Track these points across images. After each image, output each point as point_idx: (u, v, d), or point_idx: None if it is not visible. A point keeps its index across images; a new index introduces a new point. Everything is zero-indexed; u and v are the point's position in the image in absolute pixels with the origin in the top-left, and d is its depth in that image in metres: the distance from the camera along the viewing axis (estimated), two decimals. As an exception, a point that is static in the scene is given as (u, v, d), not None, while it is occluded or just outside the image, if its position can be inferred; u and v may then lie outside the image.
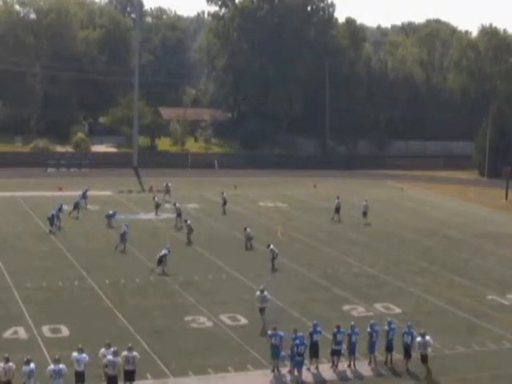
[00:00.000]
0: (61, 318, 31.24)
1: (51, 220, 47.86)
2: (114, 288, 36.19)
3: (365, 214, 55.37)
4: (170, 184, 62.02)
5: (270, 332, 26.79)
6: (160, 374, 26.11)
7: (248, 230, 46.32)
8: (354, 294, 36.69)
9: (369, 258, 44.27)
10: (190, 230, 46.47)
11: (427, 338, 27.00)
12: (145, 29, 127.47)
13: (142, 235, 48.14)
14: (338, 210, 56.23)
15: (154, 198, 56.76)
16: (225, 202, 57.43)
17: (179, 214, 51.53)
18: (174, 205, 52.93)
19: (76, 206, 53.50)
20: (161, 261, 38.86)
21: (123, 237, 43.71)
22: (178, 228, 50.38)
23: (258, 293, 31.60)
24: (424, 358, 27.10)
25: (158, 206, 55.63)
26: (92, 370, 24.72)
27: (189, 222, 47.38)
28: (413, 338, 27.46)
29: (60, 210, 49.41)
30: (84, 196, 56.76)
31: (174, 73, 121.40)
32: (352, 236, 50.71)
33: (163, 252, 39.33)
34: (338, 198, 57.25)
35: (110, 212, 51.42)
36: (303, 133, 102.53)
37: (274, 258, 40.73)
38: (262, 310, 31.32)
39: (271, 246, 41.22)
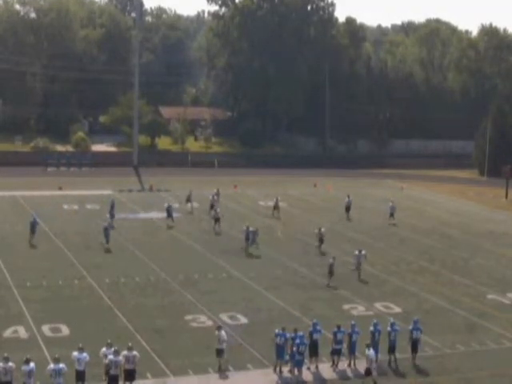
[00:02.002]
0: (61, 317, 31.25)
1: (106, 233, 44.22)
2: (114, 287, 36.20)
3: (392, 214, 55.29)
4: (220, 190, 60.19)
5: (276, 331, 26.78)
6: (160, 373, 26.11)
7: (322, 229, 45.69)
8: (354, 293, 36.69)
9: (369, 257, 44.18)
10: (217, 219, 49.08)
11: (371, 351, 26.01)
12: (145, 28, 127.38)
13: (142, 234, 48.17)
14: (348, 208, 56.58)
15: (214, 196, 56.55)
16: (277, 206, 56.22)
17: (217, 220, 50.14)
18: (215, 211, 52.17)
19: (188, 201, 56.04)
20: (331, 272, 37.84)
21: (252, 238, 43.66)
22: (216, 233, 49.30)
23: (216, 332, 26.93)
24: (368, 372, 25.95)
25: (212, 206, 55.14)
26: (92, 369, 24.73)
27: (218, 209, 49.76)
28: (421, 333, 27.88)
29: (112, 227, 45.95)
30: (189, 199, 56.60)
31: (174, 72, 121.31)
32: (352, 235, 50.67)
33: (331, 261, 38.22)
34: (348, 196, 57.48)
35: (111, 205, 51.20)
36: (303, 132, 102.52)
37: (359, 265, 39.68)
38: (219, 352, 26.51)
39: (363, 251, 40.03)
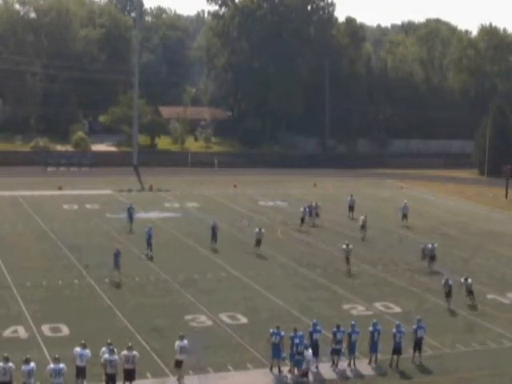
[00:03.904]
0: (61, 316, 31.23)
1: (149, 242, 42.63)
2: (114, 287, 36.18)
3: (405, 215, 54.84)
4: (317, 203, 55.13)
5: (271, 330, 26.77)
6: (160, 373, 26.09)
7: (435, 245, 42.57)
8: (354, 293, 36.68)
9: (369, 256, 44.24)
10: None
11: (309, 351, 25.99)
12: (145, 28, 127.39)
13: (142, 234, 48.09)
14: (351, 208, 56.45)
15: (306, 209, 52.89)
16: (364, 226, 50.34)
17: (259, 242, 44.23)
18: (259, 229, 44.94)
19: (303, 220, 51.75)
20: (471, 292, 35.95)
21: (348, 259, 41.28)
22: (257, 255, 44.76)
23: (177, 342, 25.66)
24: (305, 373, 26.06)
25: (303, 220, 51.97)
26: (92, 368, 24.71)
27: (263, 230, 44.63)
28: (425, 332, 28.00)
29: (150, 235, 42.86)
30: (311, 208, 53.52)
31: (174, 71, 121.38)
32: (352, 234, 50.58)
33: (462, 281, 36.47)
34: (351, 195, 57.41)
35: (130, 209, 50.55)
36: (303, 132, 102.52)
37: (470, 292, 35.78)
38: (178, 364, 25.49)
39: (469, 280, 36.04)
